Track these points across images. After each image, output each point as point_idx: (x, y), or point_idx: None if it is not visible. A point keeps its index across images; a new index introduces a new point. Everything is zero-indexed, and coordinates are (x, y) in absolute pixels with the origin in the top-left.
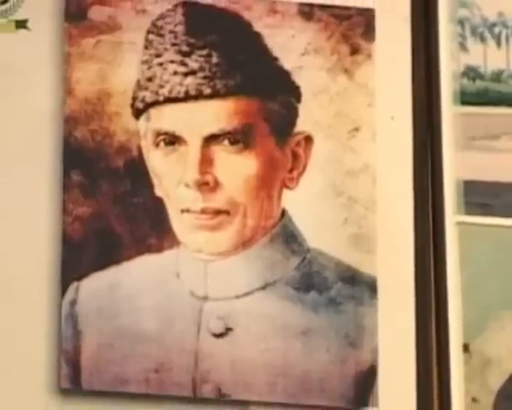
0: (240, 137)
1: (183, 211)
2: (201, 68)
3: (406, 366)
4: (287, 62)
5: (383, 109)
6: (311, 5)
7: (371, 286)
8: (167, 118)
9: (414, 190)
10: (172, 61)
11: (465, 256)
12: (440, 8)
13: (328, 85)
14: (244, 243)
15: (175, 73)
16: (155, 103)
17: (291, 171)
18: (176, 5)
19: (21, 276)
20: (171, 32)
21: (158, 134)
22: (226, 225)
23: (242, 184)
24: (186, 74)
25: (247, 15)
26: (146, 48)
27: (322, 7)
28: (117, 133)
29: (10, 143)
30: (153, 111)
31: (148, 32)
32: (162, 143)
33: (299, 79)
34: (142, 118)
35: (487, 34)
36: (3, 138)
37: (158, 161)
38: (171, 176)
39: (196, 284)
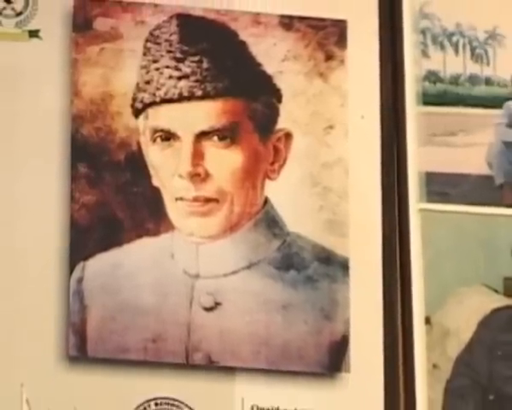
0: (227, 134)
1: (177, 199)
2: (193, 73)
3: (375, 336)
4: (269, 67)
5: (354, 109)
6: (290, 17)
7: (344, 266)
8: (163, 117)
9: (382, 180)
10: (168, 67)
11: (427, 239)
12: (405, 20)
13: (306, 88)
14: (231, 228)
15: (170, 76)
16: (153, 104)
17: (273, 163)
18: (171, 17)
19: (34, 257)
20: (166, 40)
21: (155, 131)
22: (215, 211)
23: (230, 175)
24: (180, 78)
25: (233, 26)
26: (144, 55)
27: (301, 18)
28: (118, 130)
29: (24, 139)
30: (150, 111)
31: (146, 40)
32: (159, 139)
33: (280, 82)
34: (141, 117)
35: (446, 42)
36: (18, 135)
37: (155, 155)
38: (166, 168)
39: (189, 264)
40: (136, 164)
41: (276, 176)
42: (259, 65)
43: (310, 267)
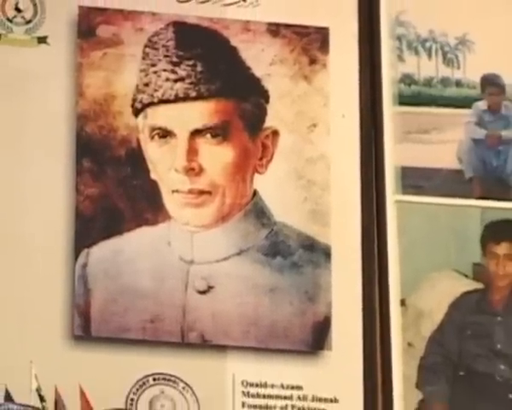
0: (219, 132)
1: (173, 191)
2: (188, 75)
3: (354, 317)
4: (257, 71)
5: (336, 109)
6: (277, 24)
7: (326, 252)
8: (161, 116)
9: (361, 174)
10: (165, 70)
11: (402, 228)
12: (382, 27)
13: (291, 89)
14: (223, 218)
15: (167, 79)
16: (151, 104)
17: (261, 159)
18: (167, 24)
19: (42, 244)
20: (163, 46)
21: (153, 129)
22: (208, 203)
23: (221, 169)
24: (176, 80)
25: (225, 33)
26: (143, 59)
27: (286, 26)
28: (120, 128)
29: (33, 137)
30: (149, 110)
31: (145, 46)
32: (156, 137)
33: (268, 84)
34: (141, 116)
35: (420, 48)
36: (28, 133)
37: (153, 151)
38: (163, 163)
39: (184, 251)
40: (136, 159)
41: (264, 170)
42: (249, 68)
43: (295, 254)
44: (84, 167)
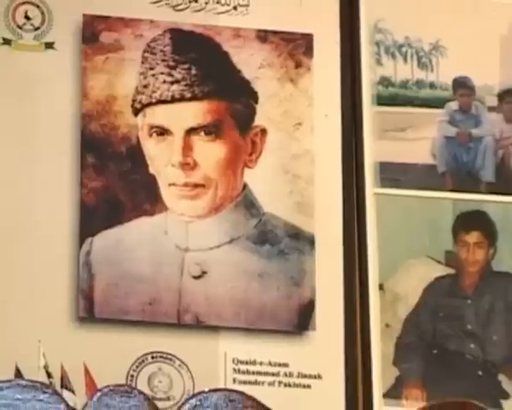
0: (212, 130)
1: (170, 185)
2: (184, 78)
3: (336, 301)
4: (247, 74)
5: (319, 109)
6: (265, 31)
7: (310, 241)
8: (158, 115)
9: (342, 169)
10: (162, 73)
11: (380, 219)
12: (362, 34)
13: (278, 91)
14: (216, 209)
15: (164, 81)
16: (149, 104)
17: (251, 154)
18: (165, 31)
19: (50, 233)
20: (161, 51)
21: (151, 127)
22: (202, 195)
23: (214, 164)
24: (172, 83)
25: (217, 39)
26: (142, 63)
27: (274, 32)
28: (121, 127)
29: (41, 134)
30: (147, 110)
31: (144, 51)
32: (154, 134)
33: (257, 86)
34: (140, 115)
35: (397, 53)
36: (36, 131)
37: (151, 148)
38: (161, 158)
39: (180, 239)
40: (136, 155)
41: (253, 165)
42: (239, 71)
43: (282, 242)
44: (88, 163)
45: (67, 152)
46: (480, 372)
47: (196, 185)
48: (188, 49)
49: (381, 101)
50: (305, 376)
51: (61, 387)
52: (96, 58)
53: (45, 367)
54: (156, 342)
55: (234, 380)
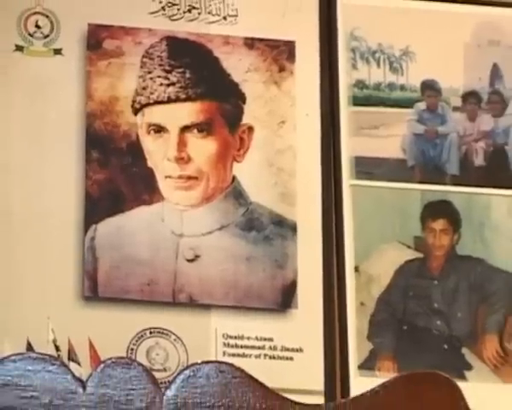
0: (204, 127)
1: (166, 177)
2: (178, 81)
3: (316, 281)
4: (236, 77)
5: (301, 109)
6: (252, 39)
7: (293, 228)
8: (156, 114)
9: (321, 163)
10: (159, 76)
11: (356, 208)
12: (339, 41)
13: (264, 93)
14: (207, 199)
15: (161, 84)
16: (147, 105)
17: (239, 150)
18: (161, 39)
19: (58, 220)
20: (158, 56)
21: (149, 125)
22: (195, 186)
23: (206, 158)
24: (168, 85)
25: (209, 45)
26: (141, 67)
27: (260, 40)
28: (122, 125)
29: (51, 132)
30: (146, 110)
31: (143, 56)
32: (152, 131)
33: (244, 88)
34: (139, 114)
35: (371, 58)
36: (46, 129)
37: (149, 144)
38: (158, 153)
39: (175, 226)
40: (135, 150)
41: (241, 159)
42: (228, 75)
43: (267, 229)
44: (92, 157)
45: (74, 147)
46: (446, 346)
47: (190, 178)
48: (182, 55)
49: (357, 101)
50: (287, 349)
51: (68, 359)
52: (99, 63)
53: (54, 341)
54: (154, 318)
55: (224, 353)
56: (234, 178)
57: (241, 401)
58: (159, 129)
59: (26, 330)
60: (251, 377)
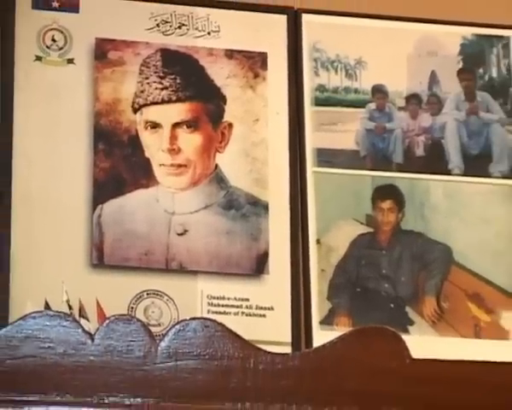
0: (192, 124)
1: (160, 165)
2: (171, 85)
3: (285, 251)
4: (218, 82)
5: (272, 108)
6: (231, 50)
7: (265, 207)
8: (152, 113)
9: (289, 153)
10: (154, 82)
11: (318, 190)
12: (304, 52)
13: (241, 96)
14: (194, 183)
15: (156, 88)
16: (145, 105)
17: (220, 143)
18: (156, 51)
19: (71, 201)
20: (153, 65)
21: (146, 122)
22: (185, 173)
23: (193, 150)
24: (162, 89)
25: (196, 56)
26: (140, 74)
27: (238, 51)
28: (123, 122)
29: (64, 128)
30: (144, 109)
31: (141, 65)
32: (149, 127)
33: (225, 91)
34: (138, 113)
35: (330, 67)
36: (61, 126)
37: (146, 137)
38: (153, 146)
39: (168, 206)
40: (135, 143)
41: (222, 151)
42: (212, 80)
43: (244, 208)
44: (99, 149)
45: (83, 141)
46: (392, 305)
47: (180, 166)
48: (174, 64)
49: (318, 102)
50: (261, 308)
51: (79, 316)
52: (105, 70)
53: (67, 302)
54: (150, 282)
55: (208, 311)
56: (216, 166)
57: (222, 351)
58: (154, 125)
59: (44, 293)
60: (230, 331)
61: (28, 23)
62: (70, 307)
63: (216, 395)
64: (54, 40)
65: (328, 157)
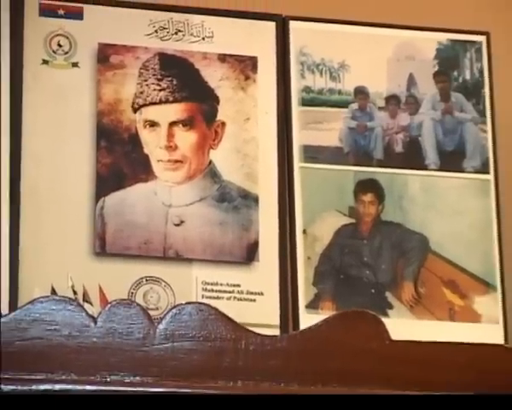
0: (187, 123)
1: (158, 161)
2: (168, 87)
3: (273, 241)
4: (212, 84)
5: (262, 108)
6: (224, 55)
7: (255, 200)
8: (150, 113)
9: (277, 150)
10: (153, 83)
11: (304, 184)
12: (291, 56)
13: (233, 96)
14: (190, 177)
15: (154, 89)
16: (144, 105)
17: (214, 140)
18: (154, 55)
19: (76, 194)
20: (152, 68)
21: (145, 121)
22: (181, 168)
23: (189, 147)
24: (160, 90)
25: (191, 60)
26: (139, 76)
27: (230, 55)
28: (124, 121)
29: (70, 127)
30: (143, 109)
31: (140, 68)
32: (148, 126)
33: (219, 92)
34: (137, 113)
35: (315, 69)
36: (66, 125)
37: (145, 135)
38: (152, 143)
39: (165, 198)
40: (135, 140)
41: (216, 147)
42: (206, 82)
43: (236, 200)
44: (101, 146)
45: (87, 138)
46: (373, 291)
47: (176, 161)
48: (171, 67)
49: (305, 103)
50: (251, 293)
51: (83, 301)
52: (107, 73)
53: (72, 287)
54: (149, 269)
55: (202, 296)
56: (210, 161)
57: (215, 333)
58: (153, 124)
59: (50, 279)
60: (223, 315)
61: (36, 29)
62: (75, 293)
63: (210, 374)
64: (60, 45)
65: (313, 153)
